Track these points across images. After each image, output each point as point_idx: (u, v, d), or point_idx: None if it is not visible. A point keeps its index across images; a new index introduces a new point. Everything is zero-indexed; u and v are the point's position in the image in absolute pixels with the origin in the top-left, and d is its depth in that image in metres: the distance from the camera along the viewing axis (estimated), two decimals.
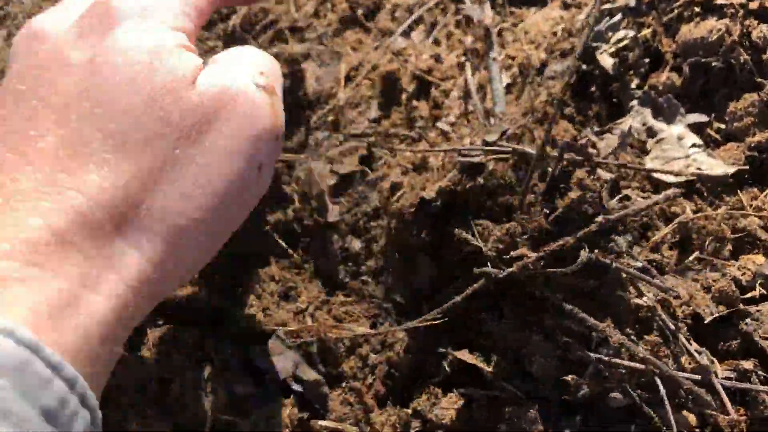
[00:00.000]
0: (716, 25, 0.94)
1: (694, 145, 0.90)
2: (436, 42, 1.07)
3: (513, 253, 0.68)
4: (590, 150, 0.74)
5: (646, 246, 0.80)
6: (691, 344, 0.72)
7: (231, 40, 1.03)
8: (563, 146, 0.68)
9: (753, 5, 0.93)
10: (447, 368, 0.74)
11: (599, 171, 0.76)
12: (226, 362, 0.80)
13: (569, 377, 0.70)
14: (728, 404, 0.64)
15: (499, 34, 1.08)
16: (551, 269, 0.67)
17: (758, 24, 0.91)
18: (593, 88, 0.97)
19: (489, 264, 0.68)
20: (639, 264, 0.75)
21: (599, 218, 0.68)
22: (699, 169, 0.87)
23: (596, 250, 0.70)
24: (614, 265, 0.68)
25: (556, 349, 0.70)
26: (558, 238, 0.68)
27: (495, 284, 0.67)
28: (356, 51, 1.06)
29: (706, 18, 0.96)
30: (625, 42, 0.98)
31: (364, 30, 1.09)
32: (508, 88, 1.00)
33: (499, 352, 0.72)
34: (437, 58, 1.03)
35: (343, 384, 0.81)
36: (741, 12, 0.93)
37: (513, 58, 0.99)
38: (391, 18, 1.09)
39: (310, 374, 0.78)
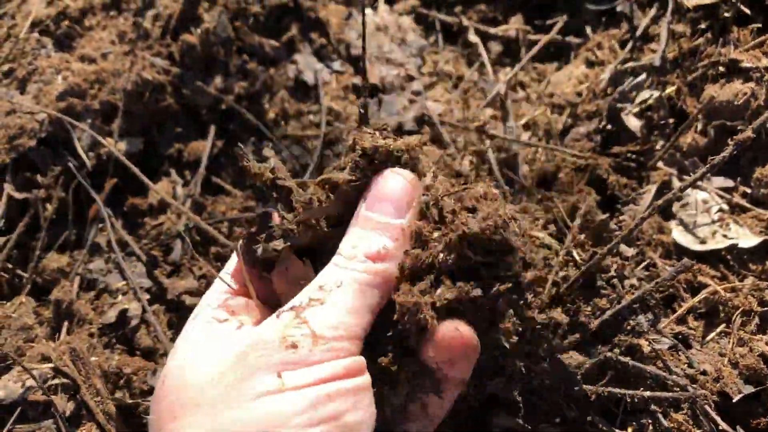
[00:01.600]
0: (742, 88, 0.94)
1: (720, 210, 0.90)
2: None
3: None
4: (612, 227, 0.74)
5: (671, 319, 0.80)
6: (720, 423, 0.72)
7: None
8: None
9: None
10: None
11: (622, 247, 0.76)
12: None
13: None
14: None
15: (523, 88, 1.09)
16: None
17: None
18: (616, 149, 0.97)
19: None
20: (667, 341, 0.75)
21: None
22: (725, 236, 0.87)
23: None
24: (631, 364, 0.68)
25: None
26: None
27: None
28: None
29: (732, 80, 0.96)
30: (650, 102, 0.98)
31: None
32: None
33: None
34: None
35: None
36: (767, 76, 0.93)
37: (535, 123, 0.99)
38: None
39: None
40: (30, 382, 0.84)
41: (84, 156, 1.00)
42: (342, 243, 0.59)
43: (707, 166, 0.66)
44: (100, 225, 0.99)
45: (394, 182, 0.60)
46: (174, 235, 0.95)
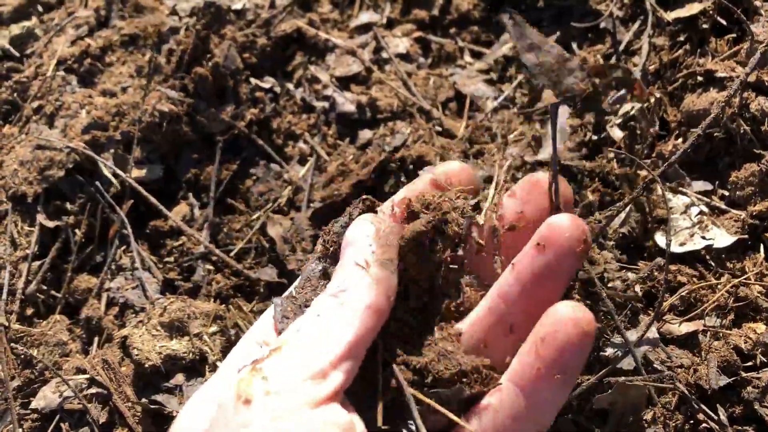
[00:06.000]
0: (717, 97, 1.00)
1: (700, 213, 0.96)
2: None
3: None
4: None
5: (651, 317, 0.86)
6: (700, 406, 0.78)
7: None
8: None
9: (751, 78, 0.98)
10: None
11: (604, 252, 0.83)
12: None
13: None
14: None
15: (513, 104, 1.16)
16: None
17: (756, 96, 0.97)
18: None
19: None
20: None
21: None
22: (703, 238, 0.93)
23: None
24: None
25: None
26: None
27: None
28: None
29: (708, 90, 1.02)
30: (633, 113, 1.05)
31: None
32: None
33: None
34: None
35: None
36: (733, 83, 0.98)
37: (522, 135, 1.06)
38: None
39: None
40: (67, 393, 0.92)
41: (113, 179, 1.08)
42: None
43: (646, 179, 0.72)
44: (123, 247, 1.08)
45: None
46: (196, 257, 1.04)
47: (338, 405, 0.51)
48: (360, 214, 0.62)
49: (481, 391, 0.57)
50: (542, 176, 0.59)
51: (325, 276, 0.61)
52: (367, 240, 0.56)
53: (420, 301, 0.61)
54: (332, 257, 0.62)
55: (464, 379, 0.56)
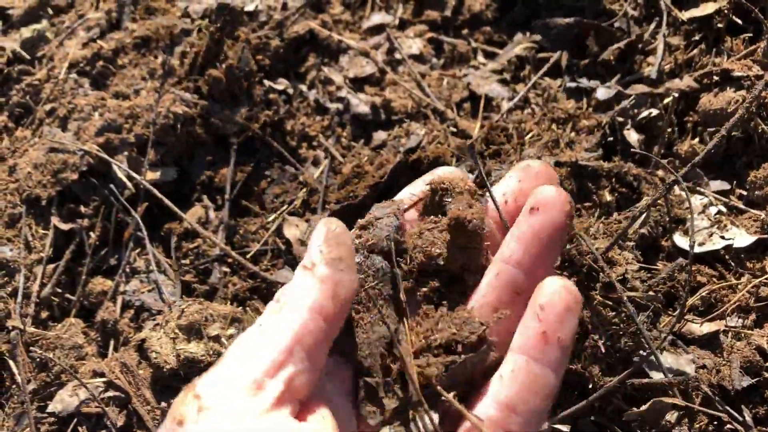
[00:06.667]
0: (734, 96, 0.99)
1: (719, 213, 0.96)
2: None
3: None
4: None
5: (672, 317, 0.86)
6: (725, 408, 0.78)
7: None
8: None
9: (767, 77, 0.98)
10: None
11: (625, 253, 0.82)
12: None
13: None
14: None
15: (528, 104, 1.15)
16: None
17: None
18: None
19: None
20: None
21: None
22: (722, 237, 0.92)
23: None
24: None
25: None
26: None
27: None
28: None
29: (725, 89, 1.01)
30: (648, 115, 1.04)
31: None
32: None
33: None
34: None
35: None
36: (757, 83, 0.98)
37: (539, 136, 1.05)
38: None
39: None
40: (84, 396, 0.92)
41: (127, 182, 1.08)
42: None
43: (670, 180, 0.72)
44: (137, 249, 1.08)
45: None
46: (212, 259, 1.04)
47: (284, 414, 0.50)
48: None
49: (501, 356, 0.59)
50: (532, 161, 0.65)
51: (359, 270, 0.62)
52: (317, 241, 0.56)
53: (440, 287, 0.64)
54: (369, 249, 0.64)
55: (487, 344, 0.59)
